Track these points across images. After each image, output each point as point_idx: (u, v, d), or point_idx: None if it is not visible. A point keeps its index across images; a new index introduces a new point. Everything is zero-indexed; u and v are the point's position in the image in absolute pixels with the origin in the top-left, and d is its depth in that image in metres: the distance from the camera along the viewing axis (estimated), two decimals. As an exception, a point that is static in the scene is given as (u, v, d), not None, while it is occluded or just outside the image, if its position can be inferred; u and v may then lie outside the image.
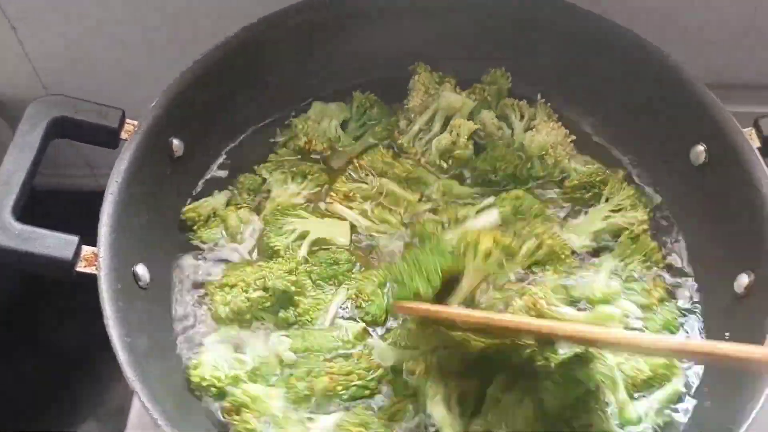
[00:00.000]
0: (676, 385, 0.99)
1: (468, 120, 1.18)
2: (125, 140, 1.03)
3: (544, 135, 1.17)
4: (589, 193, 1.15)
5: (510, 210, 1.11)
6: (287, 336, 1.02)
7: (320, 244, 1.11)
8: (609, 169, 1.17)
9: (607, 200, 1.14)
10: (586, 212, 1.14)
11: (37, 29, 1.28)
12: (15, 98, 1.37)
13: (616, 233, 1.11)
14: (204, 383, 0.98)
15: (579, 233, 1.11)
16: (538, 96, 1.23)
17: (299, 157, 1.19)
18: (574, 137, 1.20)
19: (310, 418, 0.97)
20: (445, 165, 1.17)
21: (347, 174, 1.16)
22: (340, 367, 0.98)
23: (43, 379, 1.42)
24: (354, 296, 1.06)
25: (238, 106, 1.18)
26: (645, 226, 1.11)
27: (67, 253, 0.93)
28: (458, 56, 1.24)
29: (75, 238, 0.94)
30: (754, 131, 1.05)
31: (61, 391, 1.42)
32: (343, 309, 1.06)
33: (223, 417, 0.97)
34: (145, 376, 0.89)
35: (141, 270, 1.01)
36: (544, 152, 1.16)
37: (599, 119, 1.22)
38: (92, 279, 0.93)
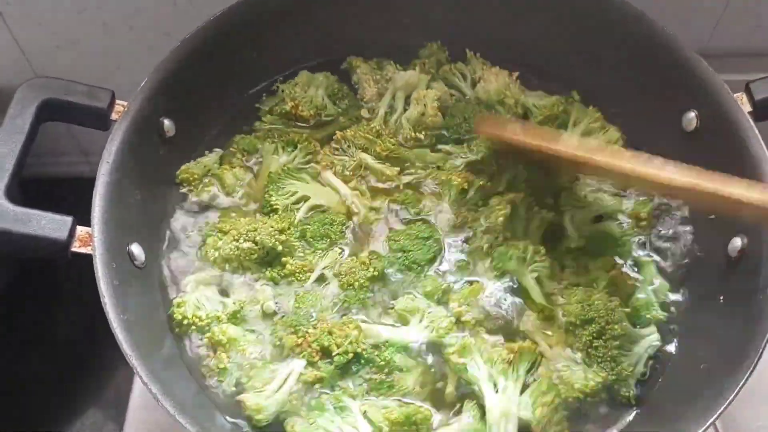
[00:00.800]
0: None
1: (426, 91, 1.21)
2: (115, 121, 1.02)
3: (494, 81, 1.21)
4: (556, 124, 1.19)
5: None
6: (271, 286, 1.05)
7: (318, 209, 1.13)
8: (564, 96, 1.21)
9: (575, 125, 1.18)
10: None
11: (24, 13, 1.27)
12: (5, 83, 1.37)
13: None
14: (185, 321, 1.00)
15: None
16: (467, 51, 1.25)
17: (283, 125, 1.19)
18: (517, 73, 1.24)
19: (274, 368, 0.99)
20: (421, 136, 1.18)
21: (330, 145, 1.18)
22: (316, 338, 0.99)
23: (43, 368, 1.42)
24: (340, 275, 1.06)
25: (228, 84, 1.18)
26: (621, 143, 1.17)
27: (62, 234, 0.93)
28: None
29: (69, 219, 0.94)
30: (744, 96, 1.05)
31: (61, 379, 1.42)
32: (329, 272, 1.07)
33: (199, 351, 1.00)
34: (143, 353, 0.89)
35: (136, 249, 1.01)
36: (502, 96, 1.21)
37: (589, 88, 1.22)
38: (88, 261, 0.93)
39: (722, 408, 0.86)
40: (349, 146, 1.16)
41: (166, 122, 1.09)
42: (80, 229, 0.95)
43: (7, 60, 1.34)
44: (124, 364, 0.88)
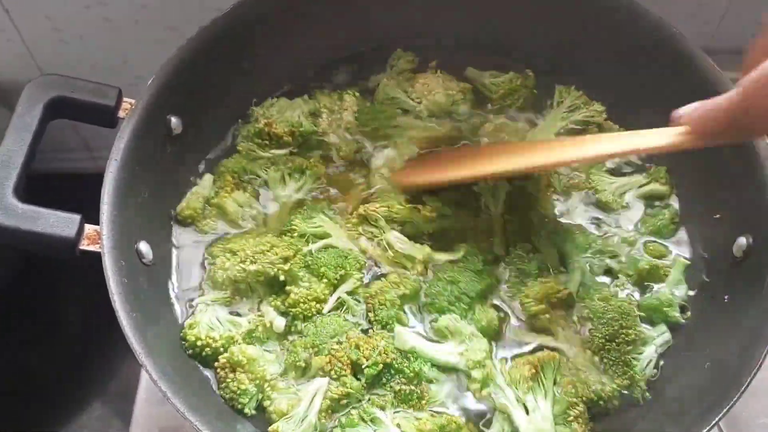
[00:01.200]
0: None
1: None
2: (123, 119, 1.02)
3: (437, 92, 1.21)
4: (518, 98, 1.21)
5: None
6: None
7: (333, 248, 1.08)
8: (519, 73, 1.22)
9: (558, 104, 1.21)
10: (541, 117, 1.22)
11: (28, 8, 1.27)
12: (11, 81, 1.37)
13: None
14: (199, 343, 0.99)
15: (543, 136, 1.18)
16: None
17: (258, 147, 1.16)
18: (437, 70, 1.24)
19: (298, 389, 0.98)
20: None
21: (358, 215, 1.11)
22: (345, 353, 0.98)
23: (50, 362, 1.43)
24: (368, 296, 1.04)
25: (236, 82, 1.17)
26: (604, 115, 1.19)
27: (70, 232, 0.93)
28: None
29: (77, 217, 0.95)
30: (750, 94, 1.05)
31: (68, 373, 1.43)
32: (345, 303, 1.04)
33: (218, 371, 0.99)
34: (153, 350, 0.90)
35: (144, 247, 1.01)
36: (452, 100, 1.21)
37: (592, 84, 1.22)
38: (96, 258, 0.94)
39: (726, 408, 0.86)
40: (376, 221, 1.10)
41: (174, 120, 1.09)
42: (88, 227, 0.95)
43: (11, 56, 1.34)
44: (130, 359, 0.89)
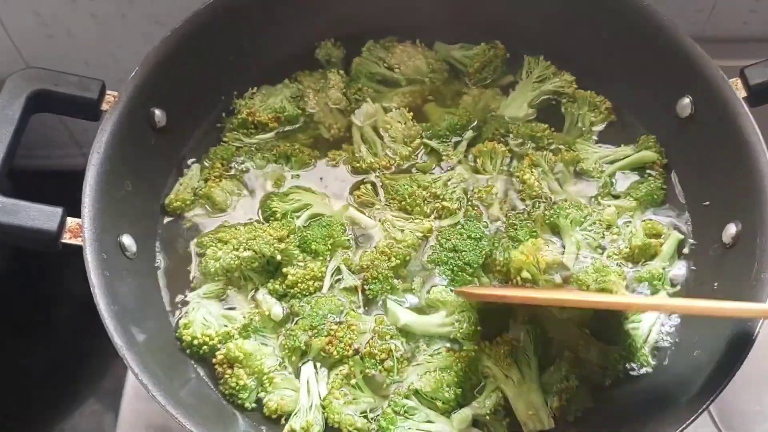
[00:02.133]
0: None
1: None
2: (106, 111, 1.02)
3: (417, 58, 1.22)
4: (494, 70, 1.21)
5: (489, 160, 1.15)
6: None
7: (318, 218, 1.10)
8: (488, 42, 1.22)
9: (527, 75, 1.21)
10: (513, 89, 1.21)
11: (16, 5, 1.26)
12: (-3, 75, 1.36)
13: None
14: (195, 341, 0.99)
15: (516, 107, 1.19)
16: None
17: (244, 136, 1.16)
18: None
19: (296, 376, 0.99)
20: (411, 147, 1.16)
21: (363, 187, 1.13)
22: (344, 333, 0.99)
23: (42, 358, 1.42)
24: (360, 269, 1.05)
25: (220, 73, 1.17)
26: (575, 85, 1.20)
27: (52, 225, 0.93)
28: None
29: (59, 210, 0.94)
30: (740, 81, 1.04)
31: (61, 369, 1.42)
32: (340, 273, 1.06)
33: (216, 368, 0.99)
34: (134, 343, 0.90)
35: (127, 240, 1.01)
36: (427, 67, 1.22)
37: (584, 73, 1.21)
38: (80, 251, 0.93)
39: (713, 396, 0.85)
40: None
41: (157, 112, 1.08)
42: (70, 221, 0.95)
43: (-2, 50, 1.34)
44: (122, 354, 0.88)
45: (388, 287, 1.04)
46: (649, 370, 1.00)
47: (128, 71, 1.05)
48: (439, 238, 1.07)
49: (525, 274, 1.02)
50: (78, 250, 0.93)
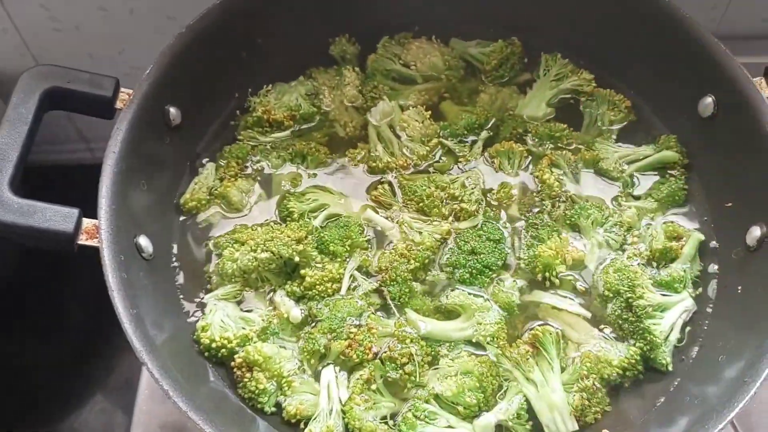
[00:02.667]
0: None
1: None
2: (120, 110, 1.00)
3: (433, 55, 1.20)
4: (511, 68, 1.20)
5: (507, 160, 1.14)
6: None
7: (336, 218, 1.09)
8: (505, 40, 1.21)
9: (545, 73, 1.20)
10: (530, 87, 1.20)
11: (24, 0, 1.24)
12: (6, 71, 1.34)
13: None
14: (213, 345, 0.98)
15: (534, 106, 1.18)
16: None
17: (259, 134, 1.15)
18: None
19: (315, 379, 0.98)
20: (429, 146, 1.15)
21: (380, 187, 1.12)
22: (364, 337, 0.98)
23: (52, 354, 1.42)
24: (379, 271, 1.04)
25: (234, 70, 1.15)
26: (594, 84, 1.18)
27: (68, 226, 0.91)
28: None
29: (75, 211, 0.92)
30: (764, 80, 1.02)
31: (71, 366, 1.41)
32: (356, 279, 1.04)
33: (234, 371, 0.98)
34: (153, 346, 0.88)
35: (144, 241, 1.00)
36: (444, 64, 1.21)
37: (606, 72, 1.19)
38: (95, 251, 0.92)
39: (742, 403, 0.84)
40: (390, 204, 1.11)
41: (172, 110, 1.07)
42: (86, 222, 0.93)
43: (6, 46, 1.32)
44: (131, 352, 0.87)
45: (407, 290, 1.02)
46: (671, 370, 0.99)
47: (137, 67, 1.03)
48: (458, 240, 1.06)
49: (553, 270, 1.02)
50: (89, 248, 0.92)
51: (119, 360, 1.41)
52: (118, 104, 1.01)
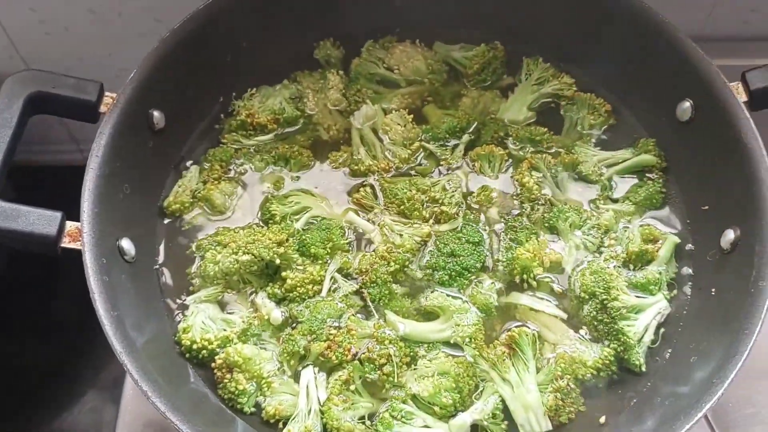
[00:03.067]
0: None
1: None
2: (104, 113, 1.01)
3: (416, 59, 1.21)
4: (493, 72, 1.21)
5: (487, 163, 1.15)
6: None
7: (317, 219, 1.10)
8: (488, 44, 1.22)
9: (527, 77, 1.21)
10: (512, 91, 1.21)
11: (13, 3, 1.25)
12: (-6, 74, 1.35)
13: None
14: (194, 346, 0.99)
15: (515, 110, 1.19)
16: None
17: (243, 137, 1.16)
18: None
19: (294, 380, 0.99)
20: (411, 150, 1.16)
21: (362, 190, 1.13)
22: (343, 338, 0.99)
23: (42, 353, 1.43)
24: (361, 272, 1.05)
25: (218, 74, 1.16)
26: (574, 88, 1.19)
27: (51, 230, 0.93)
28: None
29: (58, 214, 0.94)
30: (740, 85, 1.03)
31: (60, 364, 1.42)
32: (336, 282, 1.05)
33: (215, 372, 0.99)
34: (134, 348, 0.90)
35: (126, 244, 1.01)
36: (427, 68, 1.22)
37: (584, 75, 1.21)
38: (80, 254, 0.93)
39: (709, 404, 0.86)
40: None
41: (156, 114, 1.08)
42: (69, 224, 0.95)
43: (-4, 49, 1.33)
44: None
45: (387, 292, 1.04)
46: (645, 371, 1.00)
47: (126, 69, 1.04)
48: (438, 242, 1.07)
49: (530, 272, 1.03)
50: (75, 249, 0.93)
51: (109, 359, 1.41)
52: (102, 108, 1.02)
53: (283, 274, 1.04)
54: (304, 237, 1.06)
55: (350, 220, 1.10)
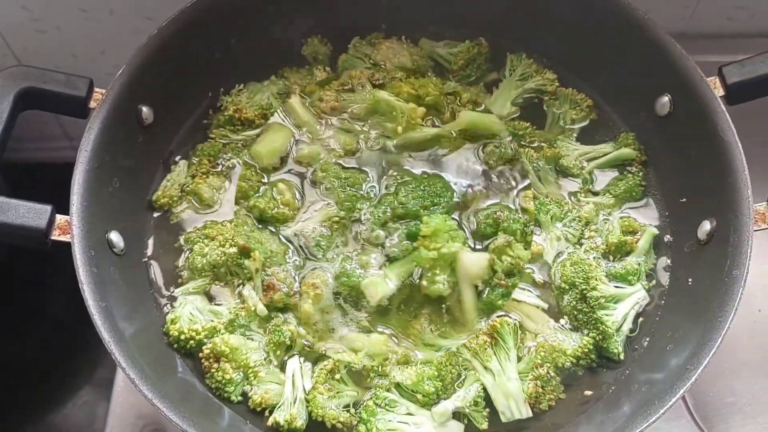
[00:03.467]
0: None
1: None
2: (94, 109, 1.03)
3: (402, 55, 1.23)
4: (478, 68, 1.22)
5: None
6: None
7: None
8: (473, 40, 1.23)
9: (511, 73, 1.22)
10: (497, 87, 1.23)
11: (4, 0, 1.27)
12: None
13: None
14: (182, 336, 1.01)
15: (499, 105, 1.20)
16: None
17: (231, 132, 1.18)
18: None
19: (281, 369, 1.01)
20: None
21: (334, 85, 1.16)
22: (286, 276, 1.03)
23: (35, 348, 1.44)
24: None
25: (206, 70, 1.18)
26: (557, 83, 1.21)
27: (41, 223, 0.95)
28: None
29: (48, 207, 0.96)
30: (717, 80, 1.05)
31: (54, 360, 1.43)
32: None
33: (202, 362, 1.01)
34: (122, 338, 0.92)
35: (115, 237, 1.03)
36: (411, 63, 1.23)
37: (564, 71, 1.22)
38: (69, 247, 0.95)
39: (683, 389, 0.88)
40: (362, 85, 1.15)
41: (145, 109, 1.10)
42: (59, 218, 0.96)
43: (-12, 46, 1.34)
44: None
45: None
46: (623, 359, 1.02)
47: (117, 66, 1.06)
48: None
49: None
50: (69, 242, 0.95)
51: (102, 354, 1.41)
52: (92, 104, 1.04)
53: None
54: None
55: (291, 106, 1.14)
